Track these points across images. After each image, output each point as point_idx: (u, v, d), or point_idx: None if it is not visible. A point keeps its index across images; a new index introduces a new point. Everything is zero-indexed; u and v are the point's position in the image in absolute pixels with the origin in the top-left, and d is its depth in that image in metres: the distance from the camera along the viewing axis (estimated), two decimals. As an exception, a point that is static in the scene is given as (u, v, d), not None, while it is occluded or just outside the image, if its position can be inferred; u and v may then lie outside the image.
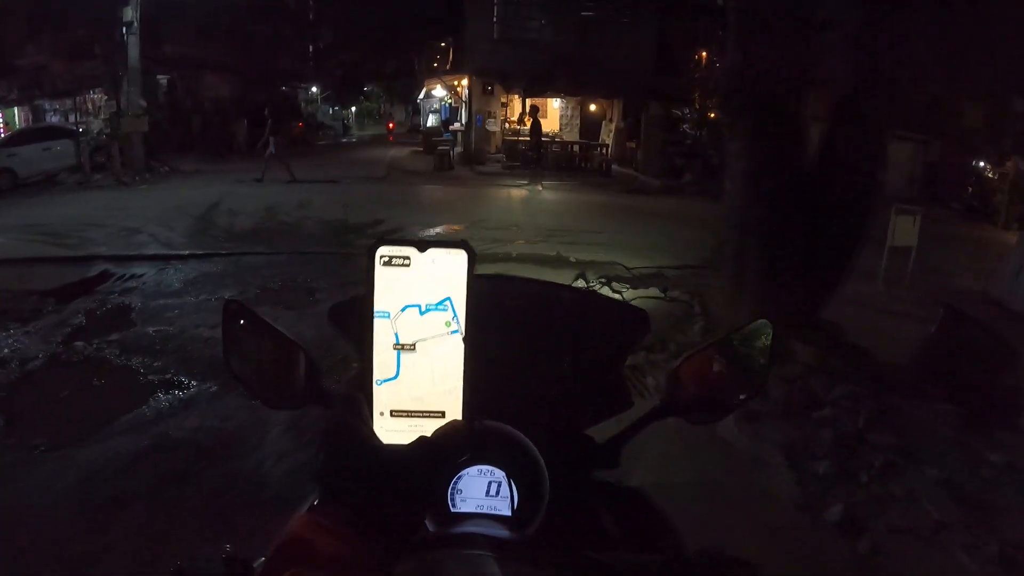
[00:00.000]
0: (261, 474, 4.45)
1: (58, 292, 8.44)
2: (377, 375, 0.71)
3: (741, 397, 1.22)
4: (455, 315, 0.71)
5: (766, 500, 4.48)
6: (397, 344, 0.71)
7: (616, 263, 10.18)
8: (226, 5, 28.18)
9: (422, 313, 0.70)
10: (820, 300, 6.48)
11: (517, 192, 19.03)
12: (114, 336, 7.00)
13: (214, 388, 5.78)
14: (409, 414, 0.72)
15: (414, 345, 0.71)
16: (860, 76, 6.14)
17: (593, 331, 1.34)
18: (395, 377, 0.72)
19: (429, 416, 0.72)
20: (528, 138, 24.87)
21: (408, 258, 0.69)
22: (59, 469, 4.58)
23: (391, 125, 40.49)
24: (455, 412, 0.73)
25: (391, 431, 0.72)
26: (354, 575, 0.66)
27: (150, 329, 7.21)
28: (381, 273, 0.70)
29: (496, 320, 0.85)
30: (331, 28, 39.42)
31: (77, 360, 6.49)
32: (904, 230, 9.38)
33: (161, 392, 5.74)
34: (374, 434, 0.71)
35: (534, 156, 23.11)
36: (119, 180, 19.16)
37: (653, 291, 8.70)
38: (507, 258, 10.46)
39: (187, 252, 10.54)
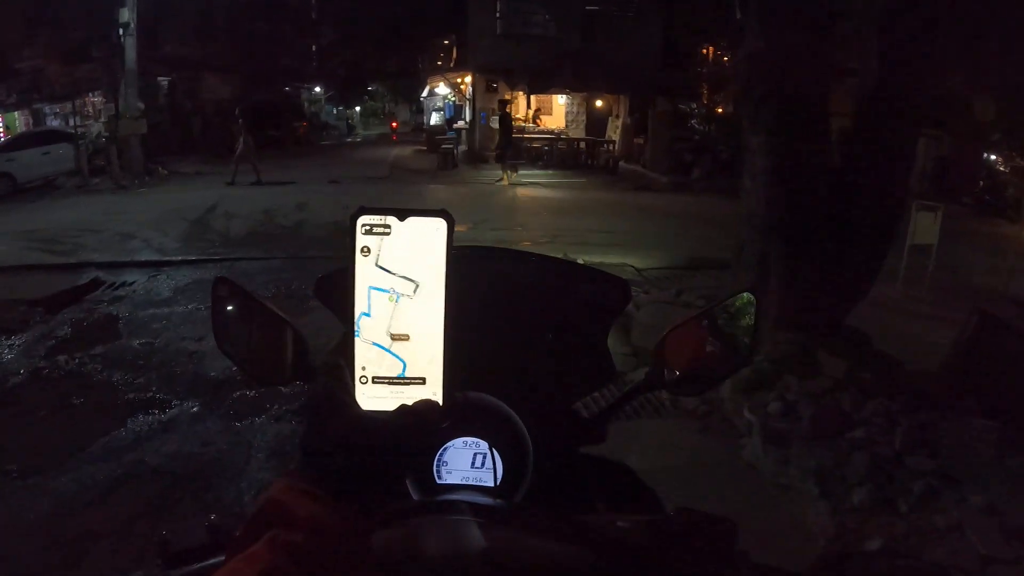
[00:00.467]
0: (240, 506, 4.10)
1: (47, 301, 8.22)
2: (359, 342, 0.71)
3: (726, 370, 1.23)
4: (435, 283, 0.71)
5: (796, 534, 4.10)
6: (378, 312, 0.71)
7: (625, 264, 9.83)
8: (226, 5, 27.97)
9: (403, 281, 0.70)
10: (847, 306, 6.11)
11: (522, 191, 18.65)
12: (98, 350, 6.73)
13: (195, 408, 5.46)
14: (390, 381, 0.72)
15: (394, 313, 0.71)
16: (887, 67, 5.73)
17: (574, 301, 1.33)
18: (376, 345, 0.71)
19: (410, 383, 0.72)
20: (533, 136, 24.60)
21: (388, 226, 0.70)
22: (32, 498, 4.32)
23: (394, 124, 40.28)
24: (436, 380, 0.73)
25: (373, 398, 0.72)
26: (333, 537, 0.64)
27: (135, 342, 6.92)
28: (362, 241, 0.69)
29: (477, 290, 0.83)
30: (333, 27, 39.24)
31: (58, 376, 6.23)
32: (924, 227, 9.02)
33: (141, 412, 5.41)
34: (355, 401, 0.71)
35: (500, 153, 22.42)
36: (117, 184, 18.97)
37: (665, 294, 8.32)
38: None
39: (179, 258, 10.29)
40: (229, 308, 1.14)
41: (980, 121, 20.45)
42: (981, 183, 21.19)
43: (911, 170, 6.29)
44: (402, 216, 0.70)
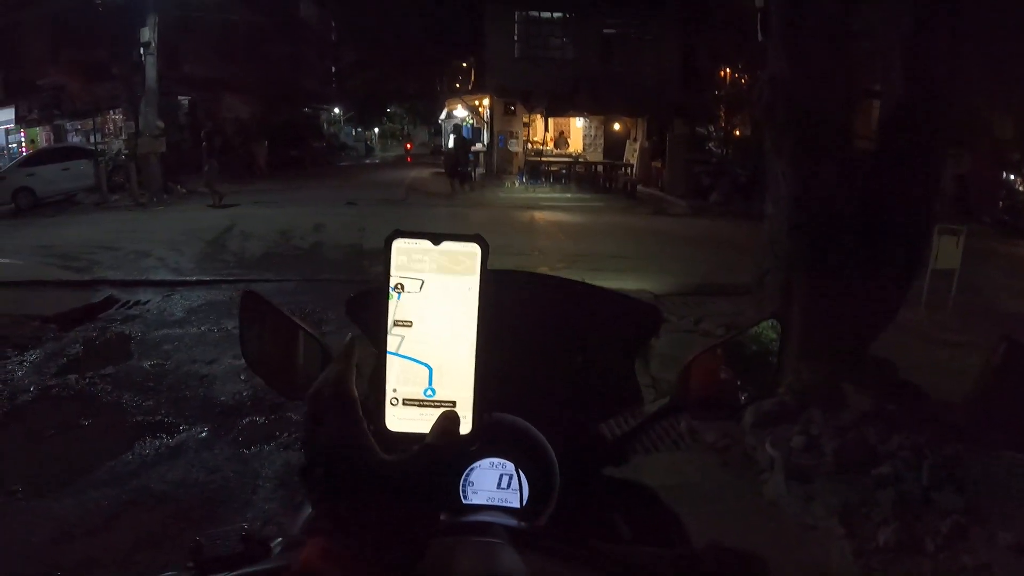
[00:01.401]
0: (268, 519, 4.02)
1: (60, 318, 8.19)
2: (390, 364, 0.69)
3: (749, 398, 1.22)
4: (468, 307, 0.69)
5: None
6: (411, 333, 0.69)
7: (644, 290, 9.69)
8: (247, 26, 28.21)
9: (436, 305, 0.69)
10: (871, 335, 5.95)
11: (540, 215, 18.55)
12: (108, 370, 6.66)
13: (204, 433, 5.34)
14: (421, 403, 0.70)
15: (428, 336, 0.70)
16: (911, 87, 5.62)
17: (605, 326, 1.35)
18: (410, 359, 0.69)
19: (441, 405, 0.70)
20: (551, 159, 24.59)
21: (423, 250, 0.69)
22: (35, 520, 4.22)
23: (409, 146, 40.47)
24: (466, 402, 0.70)
25: (403, 419, 0.70)
26: None
27: (146, 363, 6.85)
28: (396, 264, 0.69)
29: (509, 314, 0.81)
30: (353, 49, 39.59)
31: (68, 395, 6.16)
32: (947, 252, 8.87)
33: (148, 436, 5.30)
34: (383, 422, 0.68)
35: (453, 168, 23.02)
36: (136, 201, 19.14)
37: (685, 322, 8.18)
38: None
39: (194, 279, 10.25)
40: (256, 322, 1.17)
41: (1000, 139, 20.30)
42: (1001, 203, 21.03)
43: (937, 194, 6.15)
44: (437, 240, 0.70)
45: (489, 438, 1.09)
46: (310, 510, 0.69)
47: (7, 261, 11.45)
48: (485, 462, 1.13)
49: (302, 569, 0.61)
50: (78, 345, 7.38)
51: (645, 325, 1.36)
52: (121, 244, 12.83)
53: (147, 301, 9.10)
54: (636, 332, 1.36)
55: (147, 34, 19.60)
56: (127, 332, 7.83)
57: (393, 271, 0.69)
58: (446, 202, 20.75)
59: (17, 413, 5.84)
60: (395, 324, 0.70)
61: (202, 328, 7.95)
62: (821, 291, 5.65)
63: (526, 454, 1.13)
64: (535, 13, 26.51)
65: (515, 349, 0.97)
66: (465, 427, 0.71)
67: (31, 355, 7.07)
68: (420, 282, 0.69)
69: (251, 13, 27.49)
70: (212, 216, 16.29)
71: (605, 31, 26.61)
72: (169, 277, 10.36)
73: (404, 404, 0.70)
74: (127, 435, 5.32)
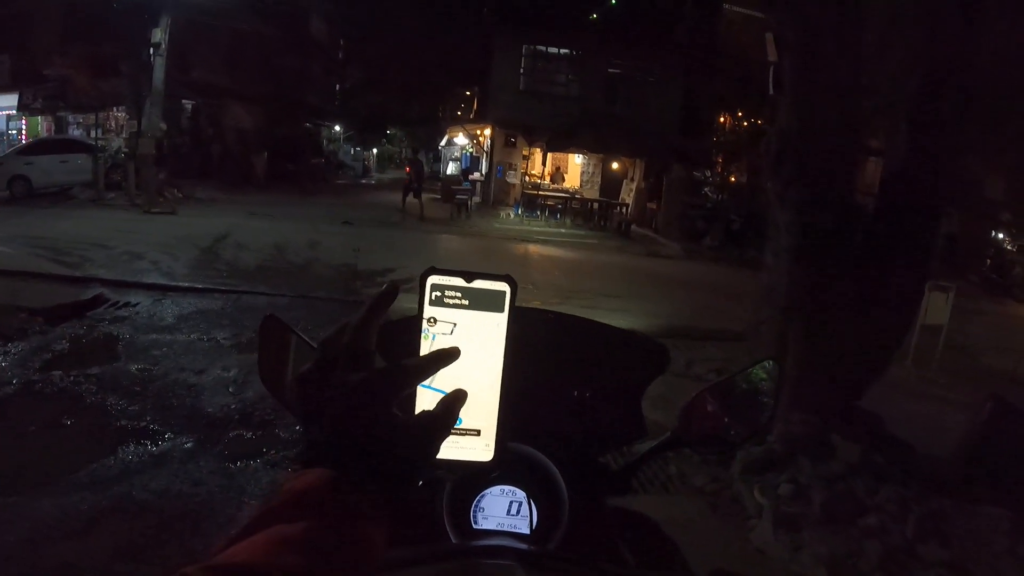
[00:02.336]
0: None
1: (48, 312, 8.07)
2: (420, 393, 0.72)
3: (748, 434, 1.26)
4: (496, 342, 0.73)
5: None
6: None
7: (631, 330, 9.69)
8: (257, 37, 28.31)
9: (466, 339, 0.72)
10: (862, 388, 6.01)
11: (534, 248, 18.57)
12: (94, 370, 6.54)
13: (189, 444, 5.23)
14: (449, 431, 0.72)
15: (457, 368, 0.72)
16: (913, 150, 5.70)
17: (616, 363, 1.38)
18: (436, 391, 0.73)
19: (466, 434, 0.74)
20: (548, 192, 24.72)
21: (455, 286, 0.72)
22: (9, 522, 4.08)
23: (408, 170, 40.57)
24: (490, 432, 0.75)
25: None
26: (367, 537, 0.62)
27: (133, 367, 6.73)
28: (430, 298, 0.72)
29: (527, 348, 0.78)
30: (359, 69, 39.73)
31: (51, 392, 6.04)
32: (937, 307, 9.00)
33: (132, 442, 5.18)
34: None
35: (407, 188, 23.67)
36: (132, 201, 18.99)
37: (675, 365, 8.17)
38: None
39: (186, 285, 10.12)
40: (276, 345, 1.20)
41: (989, 199, 20.53)
42: (988, 261, 21.25)
43: (933, 254, 6.24)
44: (470, 278, 0.73)
45: (504, 467, 1.11)
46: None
47: (-4, 249, 11.34)
48: (496, 489, 1.17)
49: (304, 492, 0.62)
50: (65, 342, 7.28)
51: (654, 363, 1.40)
52: (114, 243, 12.71)
53: (137, 303, 9.00)
54: (645, 369, 1.40)
55: (159, 35, 19.57)
56: (115, 333, 7.72)
57: (427, 306, 0.72)
58: (442, 229, 20.73)
59: (-2, 406, 5.71)
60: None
61: (192, 336, 7.84)
62: (816, 343, 5.68)
63: (536, 482, 1.16)
64: (543, 48, 26.77)
65: (529, 380, 0.98)
66: (487, 454, 0.75)
67: (16, 348, 6.96)
68: (452, 321, 0.73)
69: (262, 25, 27.60)
70: (208, 223, 16.17)
71: (610, 71, 26.88)
72: (161, 281, 10.23)
73: None
74: (110, 438, 5.21)
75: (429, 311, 0.72)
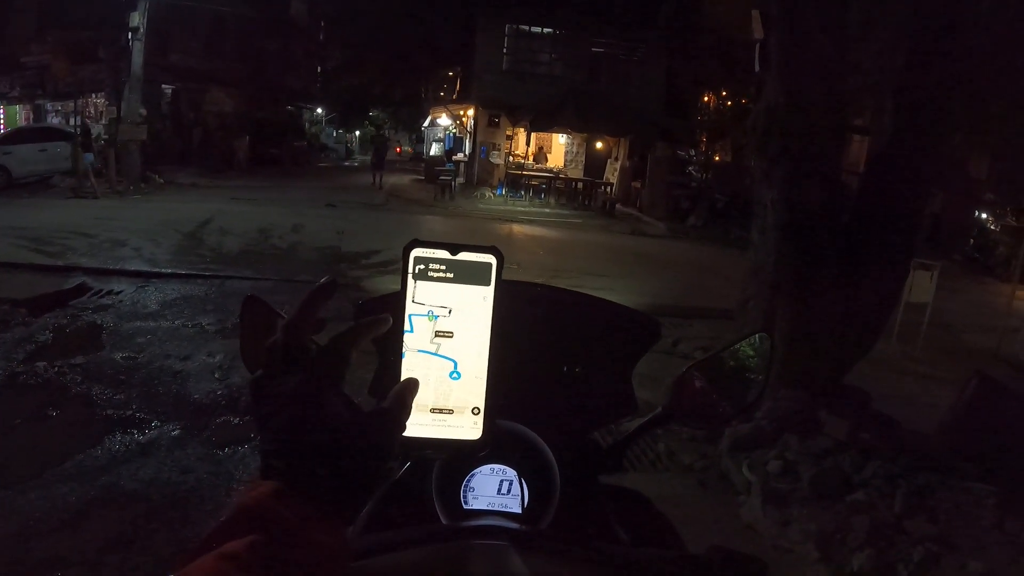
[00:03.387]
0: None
1: (30, 303, 7.98)
2: (405, 371, 0.71)
3: (739, 408, 1.26)
4: (482, 316, 0.72)
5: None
6: (426, 341, 0.72)
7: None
8: (236, 19, 28.03)
9: (451, 312, 0.72)
10: (849, 364, 6.06)
11: (519, 228, 18.56)
12: (79, 359, 6.48)
13: (176, 432, 5.20)
14: (433, 409, 0.73)
15: (441, 343, 0.72)
16: (900, 128, 5.71)
17: (606, 337, 1.37)
18: (422, 373, 0.72)
19: (453, 412, 0.73)
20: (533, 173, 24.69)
21: (440, 259, 0.71)
22: (-2, 514, 4.04)
23: (399, 150, 40.36)
24: (478, 409, 0.73)
25: (414, 424, 0.71)
26: (320, 552, 0.60)
27: (118, 355, 6.67)
28: (413, 271, 0.71)
29: (514, 322, 0.79)
30: (341, 50, 39.40)
31: (36, 383, 5.97)
32: (921, 286, 9.04)
33: (119, 431, 5.15)
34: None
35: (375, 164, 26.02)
36: (113, 188, 18.79)
37: (662, 343, 8.19)
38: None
39: (170, 271, 10.06)
40: (258, 326, 1.17)
41: (973, 178, 20.64)
42: (972, 240, 21.38)
43: (918, 231, 6.27)
44: (454, 251, 0.72)
45: (493, 445, 1.09)
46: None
47: (-24, 240, 11.19)
48: (485, 468, 1.15)
49: (252, 506, 0.60)
50: (48, 332, 7.20)
51: (645, 336, 1.38)
52: (96, 231, 12.58)
53: (121, 291, 8.93)
54: (636, 343, 1.38)
55: (136, 19, 19.30)
56: (99, 322, 7.65)
57: (410, 280, 0.71)
58: (426, 210, 20.68)
59: (-19, 399, 5.63)
60: (411, 332, 0.72)
61: (176, 323, 7.79)
62: (803, 320, 5.71)
63: (527, 460, 1.15)
64: (526, 27, 26.60)
65: (518, 356, 0.98)
66: (476, 432, 0.73)
67: (-2, 339, 6.87)
68: (437, 291, 0.72)
69: (241, 7, 27.31)
70: (190, 209, 16.04)
71: (594, 49, 26.76)
72: (144, 268, 10.14)
73: (417, 410, 0.71)
74: (97, 429, 5.17)
75: (412, 285, 0.71)
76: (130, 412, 5.48)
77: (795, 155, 5.59)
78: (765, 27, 6.22)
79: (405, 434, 0.70)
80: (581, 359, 1.33)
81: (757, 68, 5.87)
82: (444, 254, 0.71)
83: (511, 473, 1.15)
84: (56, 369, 6.22)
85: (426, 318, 0.72)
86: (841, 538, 4.36)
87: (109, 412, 5.47)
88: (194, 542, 0.61)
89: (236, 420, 5.46)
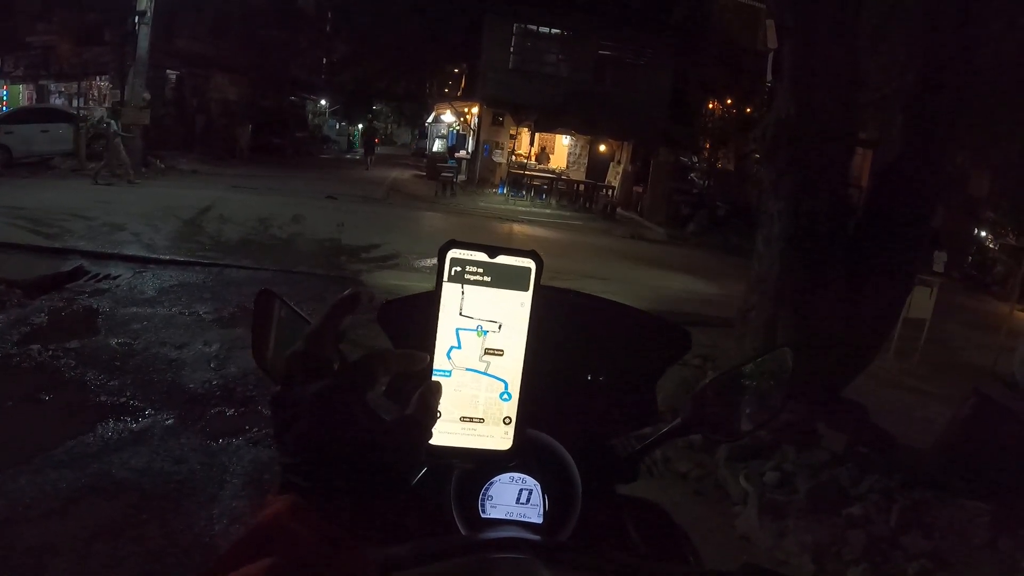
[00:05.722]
0: (209, 536, 3.81)
1: (26, 284, 7.92)
2: (451, 391, 0.69)
3: (759, 421, 1.26)
4: (519, 322, 0.70)
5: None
6: (457, 345, 0.69)
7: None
8: (243, 6, 27.97)
9: (485, 316, 0.69)
10: (848, 377, 6.04)
11: (519, 228, 18.55)
12: (73, 344, 6.42)
13: (170, 421, 5.14)
14: (462, 418, 0.70)
15: (491, 362, 0.70)
16: (908, 144, 5.70)
17: (634, 346, 1.34)
18: (449, 377, 0.69)
19: (483, 421, 0.71)
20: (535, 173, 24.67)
21: (477, 261, 0.69)
22: (-16, 497, 3.98)
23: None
24: (509, 418, 0.71)
25: (443, 433, 0.69)
26: (340, 564, 0.57)
27: (113, 341, 6.61)
28: (449, 273, 0.68)
29: (546, 327, 0.73)
30: (347, 42, 39.32)
31: (29, 366, 5.91)
32: (920, 302, 9.02)
33: (112, 418, 5.08)
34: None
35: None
36: (113, 172, 18.70)
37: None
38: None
39: (168, 257, 10.00)
40: (270, 320, 1.15)
41: (973, 196, 20.69)
42: (970, 258, 21.44)
43: (924, 247, 6.27)
44: (492, 254, 0.69)
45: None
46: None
47: (-27, 219, 11.14)
48: (505, 477, 1.12)
49: (268, 525, 0.58)
50: (43, 315, 7.14)
51: (675, 347, 1.36)
52: (95, 214, 12.52)
53: (118, 276, 8.87)
54: (665, 353, 1.36)
55: (144, 2, 19.25)
56: (95, 306, 7.59)
57: (445, 282, 0.68)
58: (427, 206, 20.66)
59: (-27, 381, 5.57)
60: (443, 336, 0.69)
61: (173, 310, 7.74)
62: (805, 331, 5.69)
63: (548, 469, 1.12)
64: (533, 27, 26.58)
65: (544, 363, 0.92)
66: (505, 442, 0.72)
67: (-7, 320, 6.81)
68: (476, 298, 0.69)
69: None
70: (191, 195, 16.01)
71: (600, 52, 26.74)
72: (142, 253, 10.07)
73: (445, 419, 0.70)
74: (90, 415, 5.11)
75: (448, 288, 0.69)
76: (124, 399, 5.42)
77: (804, 166, 5.58)
78: (779, 37, 6.19)
79: (432, 442, 0.68)
80: (607, 368, 1.30)
81: (770, 78, 5.86)
82: (482, 256, 0.69)
83: (531, 482, 1.12)
84: (50, 353, 6.17)
85: (475, 333, 0.69)
86: (837, 551, 4.37)
87: (103, 398, 5.41)
88: (207, 563, 0.59)
89: (231, 411, 5.41)
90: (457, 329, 0.69)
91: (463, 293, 0.69)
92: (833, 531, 4.51)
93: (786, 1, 5.80)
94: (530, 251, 0.71)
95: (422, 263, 11.58)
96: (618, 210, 24.06)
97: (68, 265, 8.96)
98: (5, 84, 27.11)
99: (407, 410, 0.66)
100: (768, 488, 4.92)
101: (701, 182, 26.10)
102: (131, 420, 5.12)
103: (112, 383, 5.70)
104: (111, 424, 5.02)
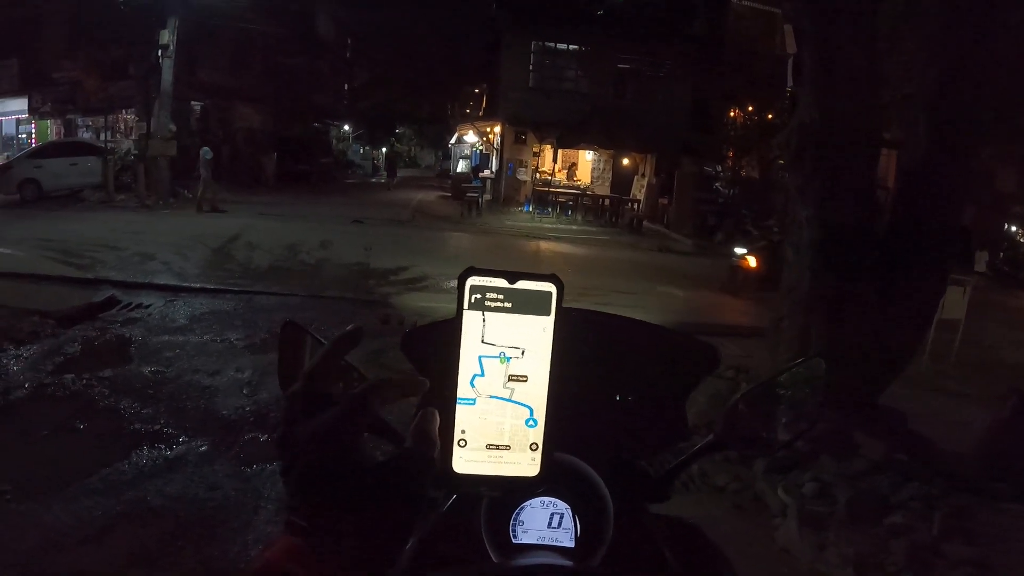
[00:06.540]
0: (244, 563, 3.80)
1: (59, 315, 8.03)
2: (477, 418, 0.68)
3: (792, 434, 1.23)
4: (540, 347, 0.68)
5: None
6: (480, 373, 0.68)
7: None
8: (264, 37, 28.35)
9: (508, 342, 0.67)
10: (883, 384, 5.93)
11: (546, 245, 18.53)
12: (107, 372, 6.49)
13: (204, 447, 5.16)
14: (488, 445, 0.68)
15: (515, 388, 0.68)
16: (934, 142, 5.61)
17: (662, 364, 1.32)
18: (474, 405, 0.68)
19: (511, 448, 0.69)
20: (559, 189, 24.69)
21: (497, 288, 0.67)
22: (22, 526, 4.03)
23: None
24: (535, 444, 0.70)
25: (470, 461, 0.68)
26: None
27: (146, 369, 6.68)
28: (469, 301, 0.66)
29: (570, 351, 0.70)
30: (367, 68, 39.78)
31: (63, 395, 5.99)
32: (953, 302, 8.83)
33: (146, 446, 5.11)
34: (448, 463, 0.66)
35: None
36: (142, 202, 19.05)
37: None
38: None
39: (198, 286, 10.10)
40: (296, 351, 1.14)
41: (1001, 192, 20.44)
42: (1001, 254, 21.18)
43: (956, 246, 6.16)
44: (512, 279, 0.68)
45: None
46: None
47: (8, 252, 11.36)
48: (536, 501, 1.10)
49: (264, 567, 0.59)
50: (77, 344, 7.23)
51: (703, 364, 1.34)
52: (125, 244, 12.73)
53: (149, 305, 8.97)
54: (693, 371, 1.34)
55: (166, 36, 19.65)
56: (127, 335, 7.67)
57: (466, 309, 0.67)
58: (453, 226, 20.74)
59: (10, 410, 5.66)
60: (466, 363, 0.68)
61: (204, 337, 7.79)
62: (838, 338, 5.60)
63: (579, 493, 1.10)
64: (551, 44, 26.70)
65: (571, 385, 0.91)
66: (532, 469, 0.70)
67: (28, 351, 6.92)
68: (494, 321, 0.68)
69: (269, 25, 27.65)
70: (218, 224, 16.24)
71: (619, 66, 26.79)
72: (173, 282, 10.20)
73: (470, 447, 0.69)
74: (124, 442, 5.14)
75: (469, 315, 0.67)
76: (158, 426, 5.45)
77: (830, 172, 5.52)
78: (797, 41, 6.16)
79: (459, 470, 0.68)
80: (636, 387, 1.28)
81: (791, 83, 5.81)
82: (502, 282, 0.68)
83: (562, 506, 1.10)
84: (84, 381, 6.23)
85: (498, 360, 0.68)
86: (879, 562, 4.26)
87: (137, 426, 5.45)
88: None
89: (264, 437, 5.40)
90: (480, 357, 0.68)
91: (484, 320, 0.68)
92: (874, 541, 4.41)
93: (804, 6, 5.76)
94: (550, 275, 0.69)
95: (450, 284, 11.39)
96: (644, 223, 23.98)
97: (100, 295, 9.06)
98: (35, 120, 27.65)
99: (405, 443, 0.66)
100: (807, 499, 4.83)
101: (726, 191, 25.95)
102: (165, 447, 5.14)
103: (146, 411, 5.74)
104: (145, 451, 5.05)
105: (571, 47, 26.86)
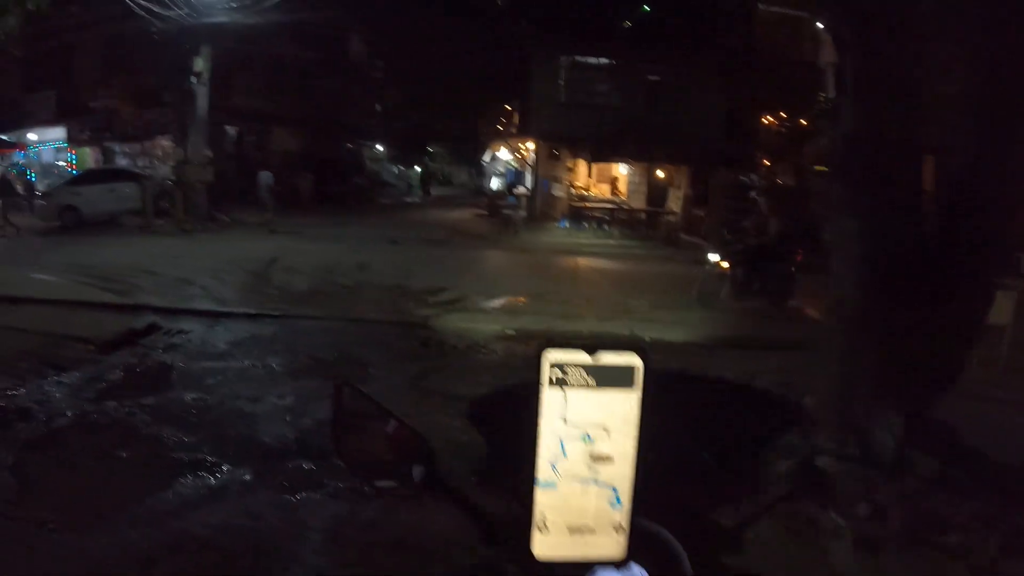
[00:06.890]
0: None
1: (101, 341, 8.12)
2: (560, 502, 0.66)
3: (866, 488, 1.23)
4: (627, 422, 0.65)
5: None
6: (563, 454, 0.66)
7: (691, 343, 9.45)
8: (296, 61, 28.68)
9: (591, 421, 0.65)
10: (937, 398, 5.73)
11: (583, 261, 18.40)
12: (149, 400, 6.50)
13: (247, 476, 5.12)
14: (571, 528, 0.66)
15: (600, 470, 0.66)
16: (982, 145, 5.43)
17: (741, 420, 1.29)
18: (555, 488, 0.66)
19: (595, 532, 0.67)
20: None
21: (578, 363, 0.64)
22: (64, 559, 4.01)
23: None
24: (619, 522, 0.67)
25: (553, 544, 0.66)
26: None
27: (188, 396, 6.68)
28: (549, 380, 0.64)
29: (657, 416, 0.69)
30: (399, 88, 40.07)
31: (105, 423, 6.01)
32: (1000, 307, 8.54)
33: (189, 474, 5.08)
34: (528, 549, 0.65)
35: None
36: (180, 228, 19.28)
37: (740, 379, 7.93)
38: (578, 337, 9.73)
39: (238, 311, 10.17)
40: (350, 412, 1.15)
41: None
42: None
43: (1006, 251, 5.97)
44: (593, 352, 0.65)
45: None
46: None
47: (50, 278, 11.54)
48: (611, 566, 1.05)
49: None
50: (118, 371, 7.30)
51: (782, 419, 1.34)
52: (164, 270, 12.88)
53: (190, 331, 9.03)
54: (771, 426, 1.34)
55: (200, 64, 20.00)
56: (168, 361, 7.73)
57: (547, 389, 0.65)
58: (489, 244, 20.76)
59: (52, 438, 5.67)
60: (546, 439, 0.66)
61: (245, 363, 7.81)
62: (889, 353, 5.45)
63: (657, 558, 1.04)
64: (581, 59, 26.68)
65: (658, 451, 0.90)
66: (617, 551, 0.68)
67: (69, 377, 6.98)
68: (576, 399, 0.65)
69: (301, 49, 27.97)
70: (257, 247, 16.39)
71: (650, 78, 26.68)
72: (212, 307, 10.28)
73: (553, 530, 0.67)
74: (167, 471, 5.11)
75: (549, 394, 0.65)
76: (200, 455, 5.42)
77: (878, 182, 5.38)
78: (838, 51, 6.03)
79: (540, 555, 0.66)
80: (714, 444, 1.27)
81: (834, 93, 5.71)
82: (583, 358, 0.65)
83: (638, 571, 1.01)
84: (126, 409, 6.25)
85: (581, 441, 0.66)
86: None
87: (179, 454, 5.43)
88: None
89: (308, 465, 5.32)
90: (561, 439, 0.65)
91: (566, 399, 0.65)
92: (932, 563, 4.33)
93: (843, 14, 5.65)
94: (633, 344, 0.66)
95: (490, 304, 11.54)
96: (681, 235, 23.78)
97: (140, 321, 9.15)
98: (73, 148, 28.22)
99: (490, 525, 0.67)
100: (861, 521, 4.69)
101: (762, 200, 25.67)
102: (208, 476, 5.11)
103: (188, 439, 5.71)
104: (188, 480, 5.02)
105: (601, 61, 26.83)
